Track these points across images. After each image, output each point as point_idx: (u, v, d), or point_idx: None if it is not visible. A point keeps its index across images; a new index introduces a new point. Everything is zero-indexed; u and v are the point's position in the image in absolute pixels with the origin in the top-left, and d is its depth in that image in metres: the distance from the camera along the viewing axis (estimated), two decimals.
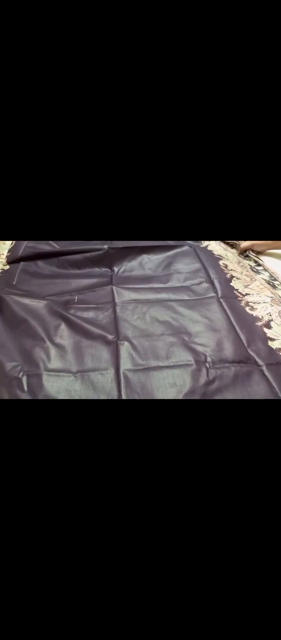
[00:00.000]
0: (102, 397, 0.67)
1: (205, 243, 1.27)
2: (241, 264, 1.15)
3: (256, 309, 0.93)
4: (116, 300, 0.94)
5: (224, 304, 0.94)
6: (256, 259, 1.19)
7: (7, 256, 1.10)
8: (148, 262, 1.14)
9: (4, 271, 1.04)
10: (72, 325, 0.83)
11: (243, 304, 0.95)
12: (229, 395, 0.69)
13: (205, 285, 1.02)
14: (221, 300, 0.96)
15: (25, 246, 1.13)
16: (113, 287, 1.00)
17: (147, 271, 1.11)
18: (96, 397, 0.67)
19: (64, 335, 0.80)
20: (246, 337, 0.82)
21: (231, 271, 1.10)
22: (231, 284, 1.04)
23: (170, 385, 0.70)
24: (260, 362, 0.76)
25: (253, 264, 1.17)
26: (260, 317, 0.89)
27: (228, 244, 1.28)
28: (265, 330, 0.85)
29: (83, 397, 0.67)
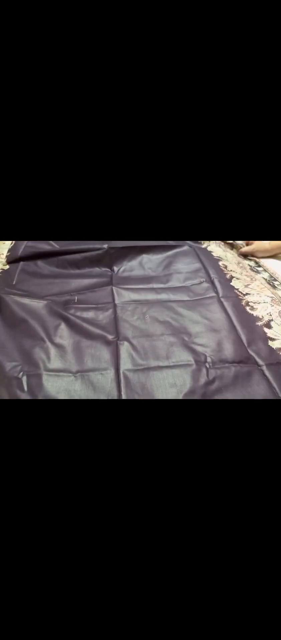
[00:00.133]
0: (102, 397, 0.67)
1: (205, 244, 1.27)
2: (240, 264, 1.15)
3: (257, 308, 0.92)
4: (116, 301, 0.94)
5: (224, 303, 0.94)
6: (256, 259, 1.19)
7: (6, 256, 1.10)
8: (148, 262, 1.14)
9: (3, 271, 1.04)
10: (72, 325, 0.82)
11: (243, 303, 0.95)
12: (229, 395, 0.69)
13: (205, 285, 1.02)
14: (221, 299, 0.96)
15: (25, 246, 1.13)
16: (113, 287, 1.00)
17: (147, 271, 1.11)
18: (96, 397, 0.67)
19: (64, 335, 0.80)
20: (246, 337, 0.82)
21: (230, 272, 1.10)
22: (231, 283, 1.04)
23: (170, 385, 0.70)
24: (260, 362, 0.76)
25: (253, 264, 1.17)
26: (260, 317, 0.89)
27: (227, 245, 1.28)
28: (265, 330, 0.85)
29: (83, 397, 0.67)
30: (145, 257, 1.15)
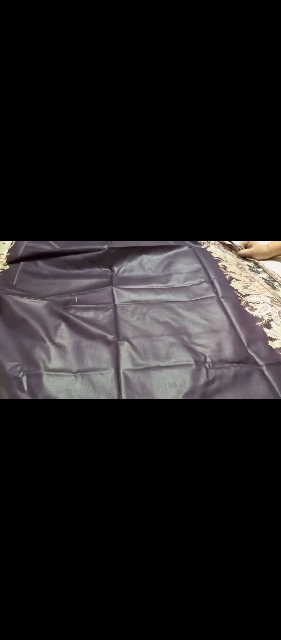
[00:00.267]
0: (102, 396, 0.67)
1: (204, 244, 1.27)
2: (239, 266, 1.15)
3: (256, 309, 0.93)
4: (116, 302, 0.94)
5: (224, 304, 0.94)
6: (255, 261, 1.19)
7: (7, 256, 1.10)
8: (148, 262, 1.14)
9: (3, 271, 1.04)
10: (72, 325, 0.82)
11: (243, 304, 0.95)
12: (229, 395, 0.69)
13: (205, 285, 1.02)
14: (221, 300, 0.96)
15: (25, 246, 1.13)
16: (113, 287, 1.00)
17: (147, 271, 1.11)
18: (96, 397, 0.67)
19: (64, 335, 0.80)
20: (246, 337, 0.82)
21: (230, 273, 1.10)
22: (230, 284, 1.04)
23: (170, 385, 0.70)
24: (260, 362, 0.76)
25: (252, 265, 1.18)
26: (260, 317, 0.89)
27: (226, 246, 1.28)
28: (265, 330, 0.85)
29: (83, 397, 0.67)
30: (145, 258, 1.15)
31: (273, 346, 0.80)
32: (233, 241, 1.29)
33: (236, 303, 0.95)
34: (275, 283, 1.06)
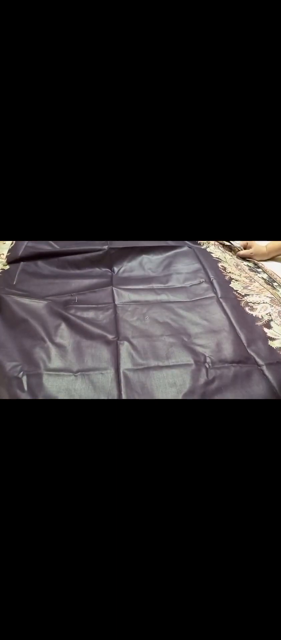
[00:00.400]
0: (102, 396, 0.67)
1: (204, 245, 1.27)
2: (239, 267, 1.15)
3: (256, 309, 0.93)
4: (116, 302, 0.94)
5: (224, 304, 0.94)
6: (255, 261, 1.20)
7: (7, 256, 1.10)
8: (148, 262, 1.14)
9: (4, 271, 1.04)
10: (72, 325, 0.83)
11: (242, 304, 0.95)
12: (229, 395, 0.69)
13: (205, 285, 1.02)
14: (221, 300, 0.96)
15: (25, 246, 1.13)
16: (113, 288, 1.00)
17: (147, 271, 1.11)
18: (96, 397, 0.67)
19: (64, 335, 0.80)
20: (246, 337, 0.82)
21: (229, 273, 1.10)
22: (230, 285, 1.04)
23: (170, 385, 0.70)
24: (260, 361, 0.76)
25: (251, 265, 1.18)
26: (260, 317, 0.89)
27: (226, 247, 1.28)
28: (265, 330, 0.85)
29: (83, 397, 0.67)
30: (145, 258, 1.15)
31: (273, 346, 0.80)
32: (232, 242, 1.29)
33: (235, 303, 0.95)
34: (275, 283, 1.06)
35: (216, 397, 0.68)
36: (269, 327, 0.86)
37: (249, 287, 1.03)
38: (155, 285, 1.03)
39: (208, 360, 0.75)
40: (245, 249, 1.24)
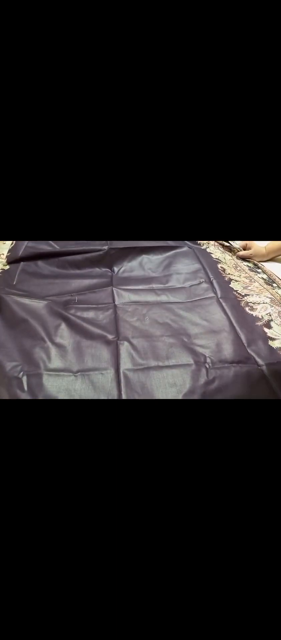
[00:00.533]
0: (102, 396, 0.67)
1: (204, 245, 1.27)
2: (238, 268, 1.15)
3: (256, 309, 0.93)
4: (116, 302, 0.94)
5: (224, 304, 0.94)
6: (254, 262, 1.20)
7: (7, 256, 1.10)
8: (148, 263, 1.14)
9: (4, 271, 1.04)
10: (72, 325, 0.83)
11: (242, 304, 0.95)
12: (229, 395, 0.69)
13: (205, 285, 1.02)
14: (220, 300, 0.96)
15: (26, 246, 1.13)
16: (113, 288, 1.00)
17: (147, 271, 1.11)
18: (96, 397, 0.67)
19: (64, 335, 0.80)
20: (246, 337, 0.82)
21: (229, 275, 1.10)
22: (230, 285, 1.04)
23: (170, 385, 0.70)
24: (260, 362, 0.76)
25: (251, 265, 1.18)
26: (260, 317, 0.89)
27: (226, 248, 1.28)
28: (265, 329, 0.85)
29: (83, 397, 0.67)
30: (145, 258, 1.15)
31: (273, 346, 0.80)
32: (232, 243, 1.29)
33: (235, 303, 0.95)
34: (274, 284, 1.06)
35: (216, 397, 0.68)
36: (269, 327, 0.86)
37: (249, 287, 1.03)
38: (155, 286, 1.03)
39: (208, 360, 0.75)
40: (244, 249, 1.24)
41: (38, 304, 0.87)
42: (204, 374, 0.72)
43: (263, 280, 1.07)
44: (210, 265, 1.12)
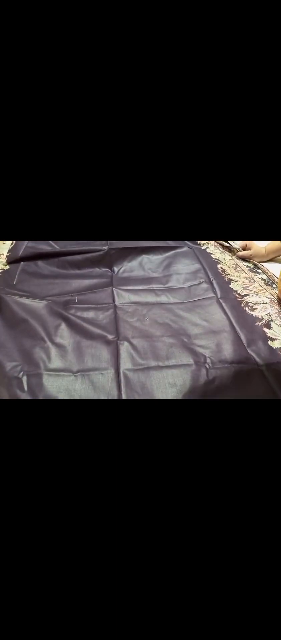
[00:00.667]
0: (102, 396, 0.67)
1: (204, 245, 1.27)
2: (238, 268, 1.16)
3: (256, 309, 0.93)
4: (116, 302, 0.94)
5: (224, 304, 0.94)
6: (254, 262, 1.20)
7: (7, 256, 1.10)
8: (148, 263, 1.14)
9: (4, 271, 1.04)
10: (72, 325, 0.83)
11: (242, 304, 0.95)
12: (229, 395, 0.69)
13: (205, 285, 1.03)
14: (220, 300, 0.96)
15: (26, 246, 1.13)
16: (113, 288, 1.00)
17: (147, 272, 1.11)
18: (96, 397, 0.67)
19: (64, 335, 0.80)
20: (246, 337, 0.82)
21: (229, 275, 1.10)
22: (230, 285, 1.04)
23: (170, 385, 0.70)
24: (260, 362, 0.76)
25: (251, 266, 1.18)
26: (260, 317, 0.89)
27: (225, 248, 1.28)
28: (265, 330, 0.85)
29: (83, 397, 0.67)
30: (145, 258, 1.15)
31: (273, 346, 0.80)
32: (232, 243, 1.29)
33: (235, 304, 0.95)
34: (274, 285, 1.06)
35: (216, 397, 0.68)
36: (269, 327, 0.86)
37: (249, 288, 1.03)
38: (155, 286, 1.03)
39: (208, 360, 0.75)
40: (244, 250, 1.24)
41: (38, 304, 0.87)
42: (204, 374, 0.72)
43: (262, 281, 1.07)
44: (210, 266, 1.13)
